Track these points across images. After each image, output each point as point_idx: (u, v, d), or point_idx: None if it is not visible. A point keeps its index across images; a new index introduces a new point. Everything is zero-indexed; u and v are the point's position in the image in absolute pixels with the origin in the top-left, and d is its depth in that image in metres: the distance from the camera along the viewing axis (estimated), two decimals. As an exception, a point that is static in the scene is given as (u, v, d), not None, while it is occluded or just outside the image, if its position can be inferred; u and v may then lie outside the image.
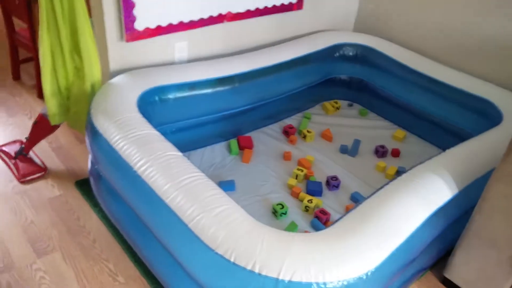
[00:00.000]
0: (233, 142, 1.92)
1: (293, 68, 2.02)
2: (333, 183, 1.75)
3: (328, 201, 1.70)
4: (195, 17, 1.74)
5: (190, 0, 1.69)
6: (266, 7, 1.96)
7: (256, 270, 0.98)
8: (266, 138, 2.02)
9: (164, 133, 1.65)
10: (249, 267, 0.99)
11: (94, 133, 1.39)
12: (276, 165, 1.87)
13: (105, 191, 1.51)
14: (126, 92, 1.51)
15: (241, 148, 1.92)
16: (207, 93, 1.76)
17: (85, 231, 1.54)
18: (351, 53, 2.22)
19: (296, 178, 1.78)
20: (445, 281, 1.46)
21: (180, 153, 1.29)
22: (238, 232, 1.04)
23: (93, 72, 1.57)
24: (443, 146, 2.03)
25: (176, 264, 1.18)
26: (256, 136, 2.01)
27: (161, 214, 1.13)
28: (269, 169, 1.83)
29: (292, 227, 1.54)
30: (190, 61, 1.87)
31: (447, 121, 1.99)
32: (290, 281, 0.97)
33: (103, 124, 1.37)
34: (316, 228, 1.57)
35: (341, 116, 2.25)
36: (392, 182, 1.30)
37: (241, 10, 1.88)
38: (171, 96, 1.66)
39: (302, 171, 1.78)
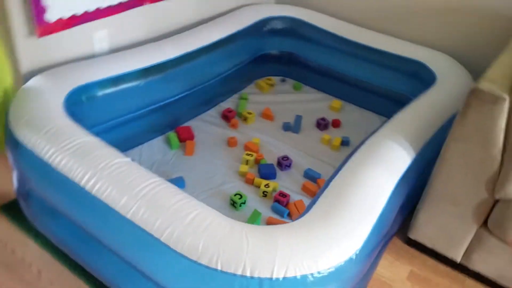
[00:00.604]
0: (172, 135, 1.80)
1: (223, 48, 1.93)
2: (285, 163, 1.71)
3: (284, 182, 1.67)
4: (113, 1, 1.56)
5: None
6: (188, -15, 1.83)
7: (248, 274, 0.91)
8: (205, 126, 1.92)
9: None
10: (239, 272, 0.91)
11: (20, 149, 1.20)
12: (222, 153, 1.78)
13: (40, 212, 1.32)
14: (48, 96, 1.32)
15: (181, 140, 1.80)
16: (137, 85, 1.61)
17: (25, 264, 1.34)
18: (279, 27, 2.18)
19: (247, 164, 1.72)
20: (410, 242, 1.50)
21: (128, 159, 1.16)
22: (218, 237, 0.96)
23: (2, 76, 1.35)
24: (380, 111, 2.09)
25: (147, 282, 1.07)
26: (195, 125, 1.90)
27: (124, 231, 1.01)
28: (216, 159, 1.74)
29: (255, 216, 1.48)
30: (112, 51, 1.70)
31: (381, 86, 2.04)
32: (284, 278, 0.92)
33: (30, 138, 1.18)
34: (279, 212, 1.52)
35: (276, 93, 2.21)
36: (353, 157, 1.29)
37: (162, -11, 1.73)
38: (99, 93, 1.49)
39: (251, 155, 1.72)
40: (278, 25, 2.18)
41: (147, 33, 1.81)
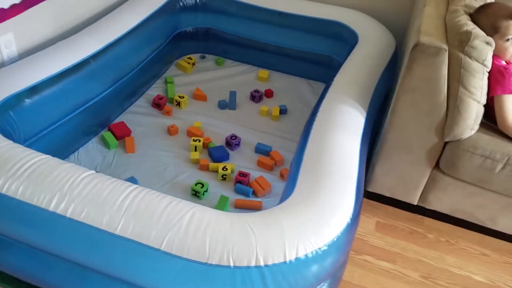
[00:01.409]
0: (107, 134, 1.68)
1: (140, 33, 1.83)
2: (234, 142, 1.71)
3: (238, 162, 1.67)
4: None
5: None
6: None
7: (262, 263, 0.91)
8: (139, 118, 1.82)
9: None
10: (253, 264, 0.91)
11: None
12: (166, 143, 1.72)
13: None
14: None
15: (118, 138, 1.69)
16: (62, 88, 1.47)
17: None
18: (191, 3, 2.11)
19: (196, 150, 1.68)
20: (369, 195, 1.61)
21: (91, 171, 1.07)
22: (222, 233, 0.94)
23: None
24: (307, 75, 2.16)
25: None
26: (127, 119, 1.80)
27: (116, 250, 0.94)
28: (161, 151, 1.68)
29: (223, 202, 1.47)
30: (21, 55, 1.52)
31: (304, 50, 2.09)
32: (297, 258, 0.93)
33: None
34: (243, 193, 1.53)
35: (199, 71, 2.16)
36: (313, 126, 1.33)
37: (66, -23, 1.57)
38: (25, 104, 1.34)
39: (199, 141, 1.69)
40: (189, 1, 2.11)
41: (55, 29, 1.65)
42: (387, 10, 2.03)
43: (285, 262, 0.92)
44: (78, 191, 0.99)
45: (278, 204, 1.25)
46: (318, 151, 1.21)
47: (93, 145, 1.66)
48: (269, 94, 2.04)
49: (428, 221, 1.57)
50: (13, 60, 1.47)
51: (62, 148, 1.54)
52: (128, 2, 1.91)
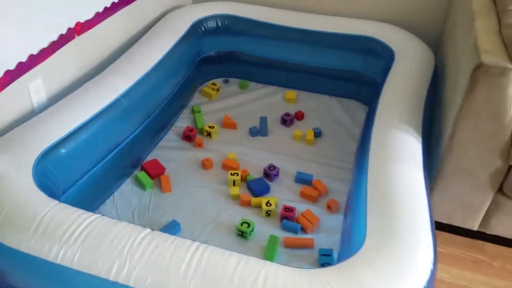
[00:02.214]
0: (141, 175, 1.62)
1: (167, 65, 1.77)
2: (273, 173, 1.65)
3: (280, 194, 1.60)
4: (44, 43, 1.33)
5: (28, 19, 1.27)
6: (113, 3, 1.63)
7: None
8: (170, 153, 1.76)
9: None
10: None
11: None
12: (202, 179, 1.66)
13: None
14: (11, 177, 1.09)
15: (152, 177, 1.64)
16: (97, 132, 1.41)
17: None
18: (212, 27, 2.06)
19: (235, 185, 1.62)
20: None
21: (148, 229, 1.01)
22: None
23: None
24: (336, 93, 2.09)
25: None
26: (159, 155, 1.75)
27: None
28: (198, 188, 1.62)
29: (273, 242, 1.40)
30: (50, 100, 1.47)
31: (333, 68, 2.04)
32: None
33: (18, 240, 0.97)
34: (291, 230, 1.46)
35: (224, 96, 2.11)
36: (369, 159, 1.26)
37: (90, 15, 1.52)
38: (63, 154, 1.28)
39: (237, 174, 1.62)
40: (211, 25, 2.06)
41: (81, 68, 1.60)
42: (418, 22, 1.97)
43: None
44: (139, 255, 0.93)
45: (341, 247, 1.20)
46: (382, 186, 1.15)
47: (127, 187, 1.60)
48: (300, 116, 1.98)
49: (490, 246, 1.51)
50: (42, 106, 1.42)
51: (97, 194, 1.49)
52: (149, 32, 1.86)
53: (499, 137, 1.24)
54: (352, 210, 1.19)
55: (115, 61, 1.64)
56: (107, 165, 1.48)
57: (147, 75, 1.63)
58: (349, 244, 1.10)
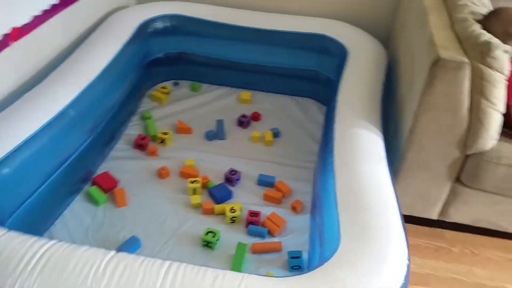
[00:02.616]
0: (93, 189, 1.52)
1: (114, 71, 1.68)
2: (234, 177, 1.61)
3: (243, 198, 1.56)
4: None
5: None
6: (53, 5, 1.51)
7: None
8: (123, 164, 1.67)
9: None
10: None
11: None
12: (159, 189, 1.59)
13: None
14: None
15: (105, 191, 1.54)
16: (40, 149, 1.30)
17: None
18: (160, 27, 1.98)
19: (195, 193, 1.56)
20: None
21: (112, 251, 0.94)
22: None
23: None
24: (292, 92, 2.08)
25: None
26: (111, 167, 1.65)
27: None
28: (156, 198, 1.54)
29: (241, 250, 1.36)
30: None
31: (287, 67, 2.02)
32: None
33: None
34: (258, 234, 1.43)
35: (176, 100, 2.04)
36: (335, 160, 1.25)
37: (27, 19, 1.40)
38: (5, 174, 1.17)
39: (196, 182, 1.56)
40: (158, 26, 1.98)
41: (18, 79, 1.47)
42: (368, 18, 1.99)
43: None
44: (105, 283, 0.85)
45: (311, 248, 1.18)
46: (350, 186, 1.13)
47: (78, 205, 1.49)
48: (256, 117, 1.95)
49: (449, 233, 1.56)
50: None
51: (46, 215, 1.38)
52: (93, 36, 1.75)
53: (456, 129, 1.27)
54: (322, 211, 1.17)
55: (57, 68, 1.53)
56: (55, 182, 1.37)
57: (94, 82, 1.53)
58: (322, 246, 1.08)
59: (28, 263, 0.88)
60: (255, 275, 0.90)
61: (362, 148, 1.25)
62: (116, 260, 0.91)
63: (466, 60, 1.18)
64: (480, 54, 1.19)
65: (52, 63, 1.61)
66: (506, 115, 1.32)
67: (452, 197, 1.42)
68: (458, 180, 1.40)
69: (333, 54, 1.86)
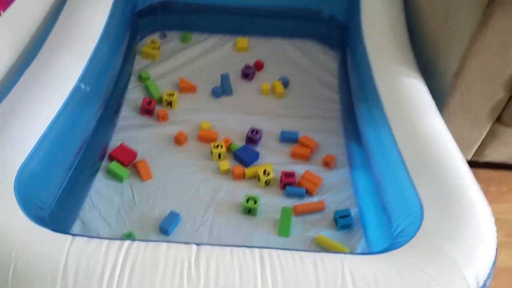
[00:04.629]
0: (114, 165, 1.43)
1: (112, 28, 1.52)
2: (256, 137, 1.55)
3: (270, 158, 1.53)
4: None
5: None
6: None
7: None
8: (135, 134, 1.57)
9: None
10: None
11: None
12: (181, 157, 1.52)
13: None
14: None
15: (126, 165, 1.45)
16: (59, 132, 1.18)
17: None
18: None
19: (221, 158, 1.50)
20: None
21: (193, 244, 0.89)
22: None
23: None
24: (290, 35, 1.99)
25: None
26: (123, 138, 1.55)
27: None
28: (181, 168, 1.48)
29: (287, 215, 1.34)
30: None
31: (284, 7, 1.91)
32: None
33: None
34: (297, 195, 1.41)
35: (168, 55, 1.90)
36: (387, 114, 1.21)
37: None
38: (38, 166, 1.06)
39: (220, 146, 1.50)
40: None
41: (16, 50, 1.30)
42: None
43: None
44: (204, 283, 0.81)
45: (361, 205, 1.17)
46: (414, 144, 1.11)
47: (102, 184, 1.41)
48: (259, 66, 1.86)
49: (482, 173, 1.60)
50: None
51: (76, 201, 1.29)
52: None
53: (505, 71, 1.26)
54: (382, 171, 1.16)
55: (52, 32, 1.36)
56: (80, 164, 1.28)
57: (98, 47, 1.38)
58: (393, 210, 1.07)
59: (113, 271, 0.82)
60: (351, 255, 0.89)
61: (414, 100, 1.22)
62: (204, 255, 0.86)
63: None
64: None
65: (44, 29, 1.42)
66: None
67: (490, 138, 1.44)
68: (498, 120, 1.41)
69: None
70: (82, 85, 1.25)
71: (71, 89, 1.21)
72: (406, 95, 1.23)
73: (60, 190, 1.16)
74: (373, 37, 1.47)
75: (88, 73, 1.29)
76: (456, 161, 1.06)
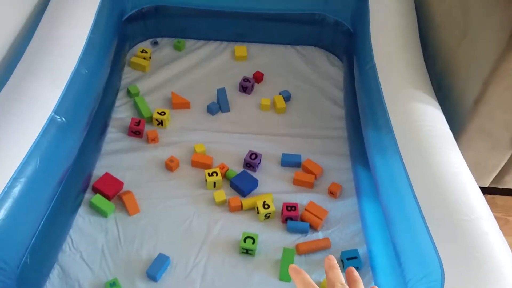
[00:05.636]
0: (97, 199, 1.31)
1: (96, 40, 1.40)
2: (255, 161, 1.43)
3: (270, 186, 1.41)
4: None
5: None
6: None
7: None
8: (122, 159, 1.45)
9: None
10: None
11: None
12: (172, 185, 1.40)
13: None
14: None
15: (110, 198, 1.34)
16: (40, 167, 1.07)
17: None
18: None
19: (216, 187, 1.39)
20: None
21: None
22: None
23: None
24: (291, 41, 1.86)
25: None
26: (109, 164, 1.43)
27: None
28: (172, 198, 1.37)
29: (289, 256, 1.23)
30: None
31: (285, 12, 1.78)
32: None
33: None
34: (300, 231, 1.30)
35: (160, 65, 1.77)
36: (400, 149, 1.09)
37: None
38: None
39: (216, 174, 1.38)
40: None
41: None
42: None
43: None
44: None
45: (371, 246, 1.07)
46: (431, 187, 1.00)
47: (85, 221, 1.29)
48: (259, 78, 1.74)
49: (500, 200, 1.49)
50: None
51: (53, 242, 1.18)
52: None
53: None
54: (400, 217, 1.04)
55: (25, 56, 1.23)
56: (59, 200, 1.17)
57: (78, 69, 1.26)
58: (419, 271, 0.95)
59: None
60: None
61: (428, 129, 1.10)
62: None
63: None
64: None
65: (16, 47, 1.30)
66: None
67: (510, 164, 1.33)
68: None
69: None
70: (58, 117, 1.13)
71: (44, 122, 1.09)
72: (420, 125, 1.11)
73: (34, 238, 1.05)
74: (383, 50, 1.34)
75: (64, 102, 1.17)
76: (478, 212, 0.94)
